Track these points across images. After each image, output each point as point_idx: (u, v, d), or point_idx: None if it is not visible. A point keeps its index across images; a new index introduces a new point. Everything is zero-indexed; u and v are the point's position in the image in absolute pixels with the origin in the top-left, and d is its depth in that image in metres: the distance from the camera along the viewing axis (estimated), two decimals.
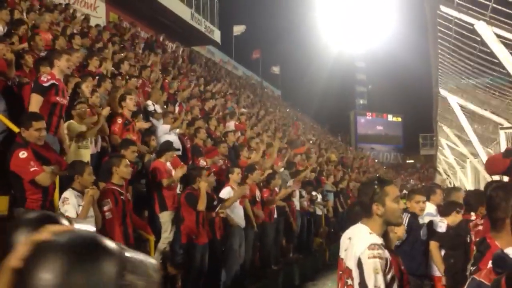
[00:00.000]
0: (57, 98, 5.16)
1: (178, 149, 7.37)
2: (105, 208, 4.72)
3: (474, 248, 2.66)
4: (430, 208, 5.37)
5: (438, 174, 29.92)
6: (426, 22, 8.37)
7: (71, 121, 5.76)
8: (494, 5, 6.45)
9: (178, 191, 6.66)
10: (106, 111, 5.97)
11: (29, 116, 4.61)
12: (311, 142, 20.31)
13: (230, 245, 6.81)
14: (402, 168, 52.81)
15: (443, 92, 11.64)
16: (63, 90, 5.35)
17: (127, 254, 1.09)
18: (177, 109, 9.68)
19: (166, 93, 10.15)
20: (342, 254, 2.69)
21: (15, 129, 4.83)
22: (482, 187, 7.28)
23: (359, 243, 2.52)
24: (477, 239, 2.84)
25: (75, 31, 10.32)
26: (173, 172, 6.41)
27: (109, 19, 19.60)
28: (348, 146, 41.15)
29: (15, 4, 9.91)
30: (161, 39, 20.22)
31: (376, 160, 44.95)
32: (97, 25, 14.30)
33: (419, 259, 4.75)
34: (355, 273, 2.48)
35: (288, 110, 33.59)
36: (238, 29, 37.83)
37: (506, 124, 10.03)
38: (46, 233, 1.07)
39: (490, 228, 2.51)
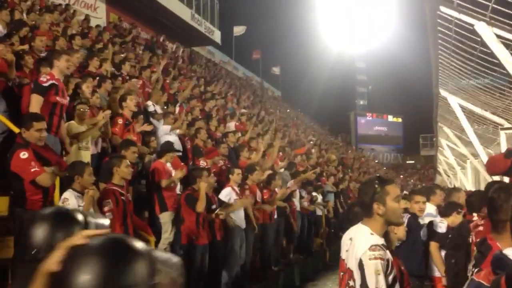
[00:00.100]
0: (57, 98, 5.16)
1: (179, 150, 7.37)
2: (106, 208, 4.71)
3: (475, 248, 2.66)
4: (430, 208, 5.37)
5: (438, 174, 29.90)
6: (426, 23, 8.37)
7: (71, 121, 5.76)
8: (494, 6, 6.45)
9: (178, 191, 6.66)
10: (105, 115, 5.87)
11: (29, 117, 4.61)
12: (311, 142, 20.30)
13: (230, 246, 6.80)
14: (402, 169, 52.81)
15: (443, 92, 11.64)
16: (63, 90, 5.36)
17: (155, 254, 1.15)
18: (177, 109, 9.68)
19: (166, 93, 10.15)
20: (343, 255, 2.68)
21: (16, 130, 4.83)
22: (482, 188, 7.28)
23: (360, 244, 2.51)
24: (478, 240, 2.84)
25: (74, 31, 10.32)
26: (173, 173, 6.41)
27: (109, 19, 19.61)
28: (349, 147, 41.17)
29: (15, 4, 9.92)
30: (161, 39, 20.23)
31: (376, 161, 44.97)
32: (97, 26, 14.31)
33: (419, 259, 4.75)
34: (357, 274, 2.47)
35: (288, 110, 33.60)
36: (238, 30, 37.83)
37: (507, 125, 10.02)
38: (80, 238, 1.14)
39: (491, 229, 2.51)
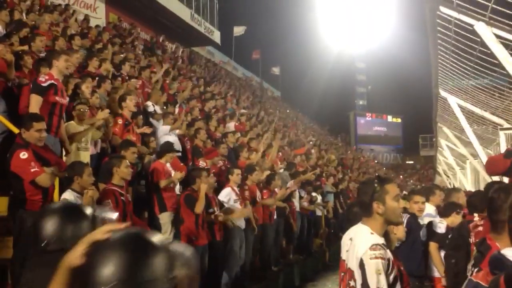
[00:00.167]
0: (57, 98, 5.17)
1: (179, 151, 7.37)
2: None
3: (474, 248, 2.66)
4: (430, 209, 5.37)
5: (438, 175, 29.91)
6: (425, 23, 8.37)
7: (70, 122, 5.76)
8: (494, 6, 6.45)
9: (178, 192, 6.65)
10: (103, 114, 5.88)
11: (29, 117, 4.61)
12: (311, 143, 20.31)
13: (230, 246, 6.80)
14: (402, 169, 52.81)
15: (442, 93, 11.64)
16: (62, 90, 5.36)
17: (172, 247, 1.20)
18: (177, 110, 9.68)
19: (166, 94, 10.15)
20: (343, 255, 2.68)
21: (15, 130, 4.83)
22: (482, 188, 7.28)
23: (361, 244, 2.50)
24: (477, 240, 2.84)
25: (73, 31, 10.32)
26: (173, 173, 6.41)
27: (109, 19, 19.60)
28: (348, 147, 41.17)
29: (15, 4, 9.91)
30: (160, 40, 20.23)
31: (376, 161, 44.97)
32: (97, 26, 14.31)
33: (419, 260, 4.75)
34: (357, 274, 2.46)
35: (288, 111, 33.60)
36: (238, 30, 37.82)
37: (506, 125, 10.02)
38: (102, 233, 1.20)
39: (490, 229, 2.51)
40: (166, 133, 7.69)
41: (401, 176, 43.41)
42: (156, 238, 1.20)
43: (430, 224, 4.96)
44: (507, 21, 6.59)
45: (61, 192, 4.60)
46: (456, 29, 7.52)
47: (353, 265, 2.51)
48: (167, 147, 6.65)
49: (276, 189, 8.37)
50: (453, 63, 9.45)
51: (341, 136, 47.29)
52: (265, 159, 9.48)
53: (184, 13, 24.28)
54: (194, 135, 8.46)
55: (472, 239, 3.68)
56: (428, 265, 4.89)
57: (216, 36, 28.65)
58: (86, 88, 6.45)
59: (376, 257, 2.42)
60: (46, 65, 5.63)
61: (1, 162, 4.57)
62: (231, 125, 11.51)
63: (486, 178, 11.15)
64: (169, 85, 11.36)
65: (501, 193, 2.42)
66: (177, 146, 7.44)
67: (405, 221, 4.59)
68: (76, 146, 5.61)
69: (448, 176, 25.38)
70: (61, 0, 15.44)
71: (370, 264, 2.41)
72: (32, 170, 4.29)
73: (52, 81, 5.13)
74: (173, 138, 7.53)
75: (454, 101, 11.22)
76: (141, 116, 7.51)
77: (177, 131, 8.01)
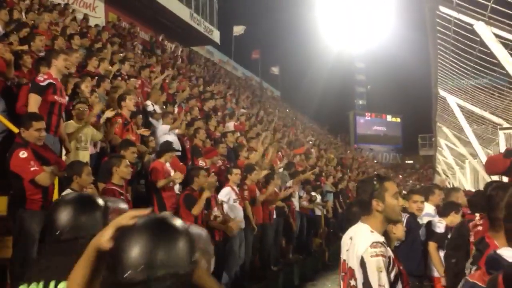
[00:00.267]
0: (55, 97, 5.17)
1: (178, 150, 7.36)
2: None
3: (474, 248, 2.66)
4: (429, 208, 5.36)
5: (437, 174, 29.93)
6: (425, 23, 8.37)
7: (69, 121, 5.76)
8: (493, 5, 6.44)
9: (177, 191, 6.65)
10: (97, 109, 5.95)
11: (29, 116, 4.62)
12: (310, 142, 20.31)
13: (230, 246, 6.80)
14: (401, 169, 52.83)
15: (442, 92, 11.64)
16: (61, 89, 5.36)
17: (191, 230, 1.28)
18: (176, 109, 9.68)
19: (165, 93, 10.14)
20: (343, 255, 2.66)
21: (15, 130, 4.83)
22: (481, 188, 7.28)
23: (361, 242, 2.49)
24: (476, 239, 2.84)
25: (72, 31, 10.30)
26: (172, 173, 6.41)
27: (108, 19, 19.59)
28: (348, 147, 41.18)
29: (14, 4, 9.90)
30: (160, 39, 20.22)
31: (375, 161, 44.98)
32: (96, 25, 14.30)
33: (418, 259, 4.75)
34: (358, 273, 2.45)
35: (287, 110, 33.59)
36: (237, 30, 37.80)
37: (505, 125, 10.02)
38: (128, 218, 1.25)
39: (489, 227, 2.52)
40: (165, 133, 7.69)
41: (400, 176, 43.42)
42: (178, 222, 1.27)
43: (429, 224, 4.96)
44: (506, 21, 6.59)
45: (60, 191, 4.59)
46: (456, 29, 7.52)
47: (353, 264, 2.49)
48: (166, 147, 6.65)
49: (275, 189, 8.37)
50: (453, 63, 9.44)
51: (341, 135, 47.31)
52: (265, 159, 9.48)
53: (183, 12, 24.26)
54: (193, 135, 8.46)
55: (471, 239, 3.67)
56: (427, 264, 4.89)
57: (216, 36, 28.63)
58: (85, 87, 6.45)
59: (377, 255, 2.40)
60: (45, 65, 5.63)
61: (1, 162, 4.57)
62: (231, 125, 11.50)
63: (485, 178, 11.15)
64: (168, 84, 11.35)
65: (499, 191, 2.43)
66: (177, 145, 7.44)
67: (404, 221, 4.59)
68: (75, 146, 5.61)
69: (447, 176, 25.39)
70: None
71: (371, 262, 2.40)
72: (32, 169, 4.29)
73: (51, 81, 5.13)
74: (172, 138, 7.53)
75: (453, 101, 11.22)
76: (141, 115, 7.51)
77: (177, 131, 8.01)
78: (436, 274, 4.86)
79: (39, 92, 5.03)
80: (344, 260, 2.64)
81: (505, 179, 4.57)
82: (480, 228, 3.54)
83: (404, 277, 2.65)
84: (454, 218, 4.85)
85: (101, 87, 7.35)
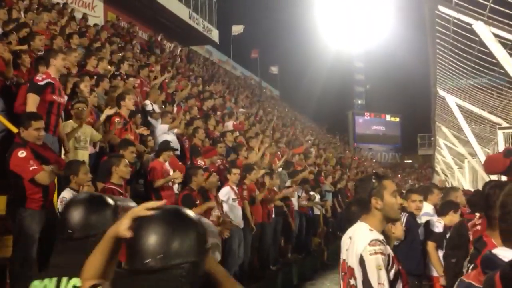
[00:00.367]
0: (54, 97, 5.17)
1: (176, 149, 7.36)
2: None
3: (472, 247, 2.66)
4: (428, 208, 5.37)
5: (436, 174, 29.95)
6: (424, 22, 8.36)
7: (68, 121, 5.76)
8: (492, 5, 6.44)
9: (176, 191, 6.65)
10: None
11: (28, 116, 4.61)
12: (309, 142, 20.32)
13: (229, 245, 6.80)
14: (400, 168, 52.82)
15: (441, 92, 11.63)
16: (60, 89, 5.36)
17: (203, 220, 1.38)
18: (175, 109, 9.67)
19: (164, 93, 10.13)
20: (343, 255, 2.65)
21: (13, 129, 4.83)
22: (480, 187, 7.29)
23: (360, 240, 2.48)
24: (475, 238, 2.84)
25: (70, 30, 10.29)
26: (171, 173, 6.40)
27: (107, 18, 19.58)
28: (347, 146, 41.19)
29: (13, 3, 9.89)
30: (159, 38, 20.20)
31: (374, 160, 45.00)
32: (95, 25, 14.28)
33: (418, 258, 4.75)
34: (358, 271, 2.44)
35: (286, 110, 33.59)
36: (236, 29, 37.77)
37: (504, 124, 10.02)
38: (144, 209, 1.32)
39: (486, 226, 2.52)
40: (164, 132, 7.68)
41: (399, 175, 43.45)
42: (191, 212, 1.35)
43: (428, 223, 4.96)
44: (506, 21, 6.59)
45: (60, 191, 4.60)
46: (455, 28, 7.51)
47: (353, 262, 2.48)
48: (164, 145, 6.65)
49: (274, 188, 8.37)
50: (452, 62, 9.44)
51: (340, 135, 47.30)
52: (263, 159, 9.49)
53: (182, 12, 24.26)
54: (192, 134, 8.46)
55: (470, 238, 3.68)
56: (427, 264, 4.89)
57: (215, 35, 28.63)
58: (84, 87, 6.44)
59: (376, 253, 2.39)
60: (44, 64, 5.63)
61: (0, 162, 4.57)
62: (230, 124, 11.50)
63: (484, 177, 11.16)
64: (167, 84, 11.34)
65: (496, 189, 2.43)
66: (176, 145, 7.44)
67: (404, 220, 4.60)
68: (73, 145, 5.60)
69: (446, 175, 25.40)
70: None
71: (370, 260, 2.39)
72: (31, 168, 4.29)
73: (49, 80, 5.12)
74: (171, 137, 7.53)
75: (452, 100, 11.21)
76: (140, 115, 7.51)
77: (176, 130, 8.01)
78: (435, 273, 4.86)
79: (38, 91, 5.03)
80: (344, 260, 2.62)
81: (504, 178, 4.57)
82: (478, 227, 3.54)
83: (403, 276, 2.65)
84: (453, 218, 4.85)
85: (100, 86, 7.35)
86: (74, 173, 4.46)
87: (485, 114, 11.10)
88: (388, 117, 62.42)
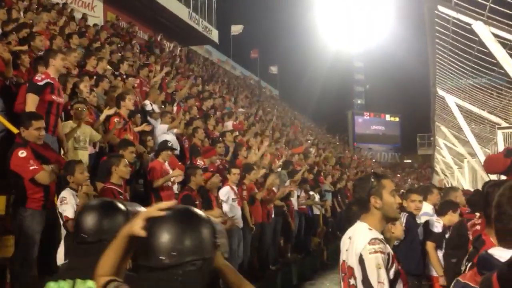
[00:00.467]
0: (53, 97, 5.16)
1: (175, 149, 7.36)
2: None
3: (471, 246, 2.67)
4: (427, 207, 5.37)
5: (436, 174, 29.97)
6: (424, 22, 8.37)
7: (68, 121, 5.75)
8: (492, 5, 6.44)
9: (175, 191, 6.64)
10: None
11: (28, 116, 4.62)
12: (308, 142, 20.32)
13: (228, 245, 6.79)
14: (400, 168, 52.84)
15: (440, 92, 11.63)
16: (59, 89, 5.36)
17: (213, 220, 1.44)
18: (175, 108, 9.67)
19: (164, 92, 10.13)
20: (343, 255, 2.64)
21: (13, 129, 4.83)
22: (480, 187, 7.29)
23: (359, 240, 2.48)
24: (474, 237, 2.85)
25: (70, 30, 10.29)
26: (171, 172, 6.40)
27: (107, 18, 19.57)
28: (346, 146, 41.19)
29: (12, 3, 9.89)
30: (158, 38, 20.20)
31: (374, 160, 45.01)
32: (95, 25, 14.28)
33: (417, 258, 4.75)
34: (357, 271, 2.43)
35: (286, 110, 33.58)
36: (236, 29, 37.78)
37: (504, 124, 10.03)
38: (157, 210, 1.39)
39: (485, 224, 2.52)
40: (164, 132, 7.68)
41: (398, 175, 43.46)
42: (201, 213, 1.43)
43: (427, 223, 4.96)
44: (505, 21, 6.59)
45: (59, 191, 4.59)
46: (454, 28, 7.51)
47: (353, 262, 2.48)
48: (163, 145, 6.65)
49: (273, 188, 8.37)
50: (451, 62, 9.44)
51: (339, 135, 47.32)
52: (263, 159, 9.48)
53: (182, 12, 24.26)
54: (192, 134, 8.46)
55: (470, 238, 3.68)
56: (426, 264, 4.89)
57: (214, 35, 28.64)
58: (84, 87, 6.44)
59: (376, 251, 2.39)
60: (43, 64, 5.63)
61: (0, 162, 4.57)
62: (229, 124, 11.50)
63: (483, 177, 11.17)
64: (167, 84, 11.34)
65: (495, 188, 2.43)
66: (175, 145, 7.43)
67: (403, 220, 4.60)
68: (73, 146, 5.60)
69: (445, 175, 25.40)
70: None
71: (369, 259, 2.38)
72: (31, 168, 4.29)
73: (49, 80, 5.12)
74: (171, 137, 7.52)
75: (452, 100, 11.22)
76: (139, 115, 7.51)
77: (175, 130, 8.01)
78: (434, 273, 4.86)
79: (37, 91, 5.02)
80: (344, 261, 2.61)
81: (503, 178, 4.57)
82: (478, 227, 3.55)
83: (403, 276, 2.65)
84: (452, 217, 4.85)
85: (99, 86, 7.34)
86: (70, 173, 4.45)
87: (484, 114, 11.11)
88: (387, 117, 62.42)
